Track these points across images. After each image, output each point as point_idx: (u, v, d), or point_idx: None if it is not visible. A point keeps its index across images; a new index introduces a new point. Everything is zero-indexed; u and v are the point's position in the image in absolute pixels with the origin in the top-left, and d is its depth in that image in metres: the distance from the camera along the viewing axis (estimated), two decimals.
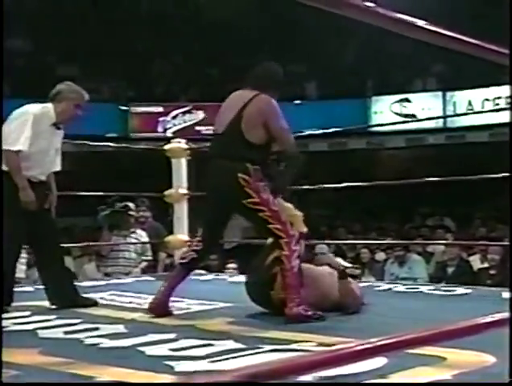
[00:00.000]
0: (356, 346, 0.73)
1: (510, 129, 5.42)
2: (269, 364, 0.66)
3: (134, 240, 4.97)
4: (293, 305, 2.56)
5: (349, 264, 3.23)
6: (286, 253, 2.60)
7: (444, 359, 1.80)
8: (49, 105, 3.02)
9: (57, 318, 2.66)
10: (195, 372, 1.73)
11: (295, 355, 1.93)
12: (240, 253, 7.34)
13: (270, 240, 2.78)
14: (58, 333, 2.37)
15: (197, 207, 2.88)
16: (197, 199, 4.74)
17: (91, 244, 5.79)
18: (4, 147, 2.83)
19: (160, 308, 2.74)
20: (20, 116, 2.94)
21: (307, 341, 2.13)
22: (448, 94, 10.65)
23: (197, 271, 5.26)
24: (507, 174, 3.49)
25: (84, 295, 3.10)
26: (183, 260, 2.83)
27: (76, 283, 3.21)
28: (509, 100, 9.38)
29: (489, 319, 0.97)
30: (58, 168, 3.19)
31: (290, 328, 2.38)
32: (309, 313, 2.57)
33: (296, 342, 2.12)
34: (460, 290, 3.45)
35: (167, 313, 2.74)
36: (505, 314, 1.01)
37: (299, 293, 2.59)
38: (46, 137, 2.98)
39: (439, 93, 10.79)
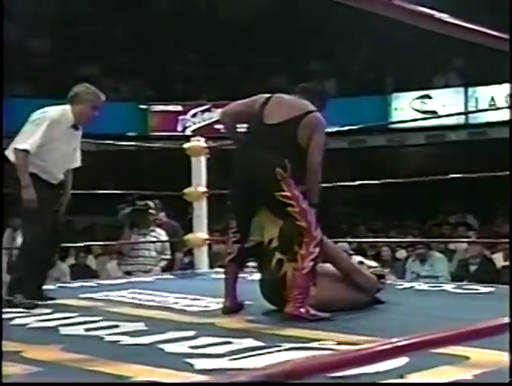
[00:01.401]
0: (377, 346, 0.72)
1: (510, 129, 5.34)
2: (290, 364, 0.65)
3: (153, 239, 4.99)
4: (294, 305, 2.54)
5: (375, 263, 3.18)
6: (303, 253, 2.58)
7: (467, 358, 1.78)
8: (67, 107, 3.08)
9: (78, 316, 2.69)
10: (214, 370, 1.73)
11: (315, 353, 1.91)
12: (259, 252, 7.33)
13: (274, 244, 2.74)
14: (79, 330, 2.39)
15: (228, 197, 2.89)
16: (217, 196, 4.74)
17: (111, 242, 5.84)
18: (13, 145, 2.92)
19: (234, 308, 2.78)
20: (37, 118, 3.02)
21: (327, 339, 2.12)
22: (470, 90, 10.51)
23: (217, 269, 5.28)
24: None
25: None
26: (231, 256, 2.85)
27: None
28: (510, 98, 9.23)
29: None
30: (77, 164, 3.26)
31: (310, 326, 2.37)
32: (307, 315, 2.52)
33: (316, 340, 2.11)
34: (483, 289, 3.40)
35: (240, 308, 2.79)
36: None
37: (304, 295, 2.56)
38: (64, 139, 3.05)
39: (461, 89, 10.65)
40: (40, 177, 2.98)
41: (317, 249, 2.61)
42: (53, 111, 3.06)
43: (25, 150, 2.90)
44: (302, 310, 2.53)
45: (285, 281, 2.64)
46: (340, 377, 1.47)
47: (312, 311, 2.54)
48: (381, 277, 2.98)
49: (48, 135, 2.96)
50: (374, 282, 2.87)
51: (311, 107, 2.79)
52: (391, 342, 0.71)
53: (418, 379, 1.59)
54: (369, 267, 3.01)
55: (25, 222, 3.05)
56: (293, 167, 2.64)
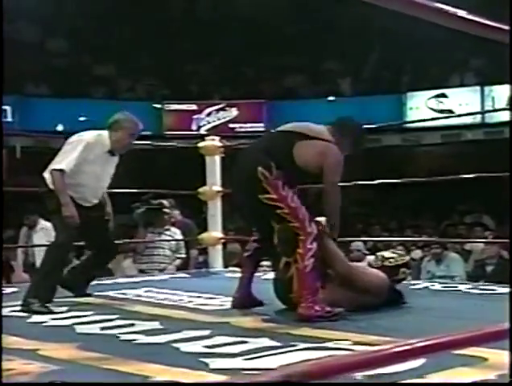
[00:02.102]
0: (396, 347, 0.71)
1: (510, 128, 5.28)
2: (308, 364, 0.64)
3: (168, 238, 5.01)
4: (306, 305, 2.52)
5: (394, 255, 3.03)
6: (301, 252, 2.56)
7: (486, 359, 1.76)
8: (105, 133, 3.19)
9: (93, 314, 2.70)
10: (229, 370, 1.73)
11: (330, 353, 1.90)
12: (273, 251, 7.32)
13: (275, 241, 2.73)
14: (95, 328, 2.40)
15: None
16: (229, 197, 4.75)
17: (127, 241, 5.86)
18: (50, 166, 3.03)
19: (244, 300, 2.81)
20: (73, 140, 3.12)
21: (342, 339, 2.10)
22: (487, 89, 10.42)
23: (231, 268, 5.28)
24: None
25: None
26: (248, 253, 2.91)
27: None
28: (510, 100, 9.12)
29: None
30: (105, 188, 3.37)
31: (325, 326, 2.36)
32: (322, 313, 2.50)
33: (332, 340, 2.10)
34: (500, 289, 3.36)
35: (254, 303, 2.81)
36: None
37: (312, 293, 2.54)
38: (99, 163, 3.14)
39: (478, 88, 10.56)
40: (72, 198, 3.05)
41: (315, 244, 2.57)
42: (89, 134, 3.16)
43: (60, 170, 3.00)
44: (316, 308, 2.52)
45: (292, 283, 2.63)
46: (358, 377, 1.46)
47: (327, 308, 2.53)
48: (403, 265, 2.93)
49: (83, 157, 3.06)
50: (382, 281, 2.79)
51: (326, 136, 2.71)
52: (410, 343, 0.70)
53: (436, 380, 1.58)
54: (385, 259, 2.94)
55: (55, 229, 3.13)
56: (284, 175, 2.60)
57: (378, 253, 3.12)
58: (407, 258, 3.03)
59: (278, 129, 2.85)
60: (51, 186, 3.00)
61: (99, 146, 3.12)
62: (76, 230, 3.01)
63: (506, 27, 1.16)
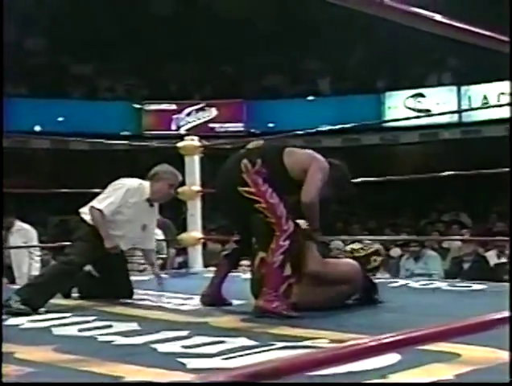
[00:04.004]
0: (364, 343, 0.72)
1: (510, 126, 5.36)
2: (272, 362, 0.65)
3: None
4: (266, 299, 2.54)
5: (360, 245, 3.03)
6: (273, 247, 2.58)
7: (459, 355, 1.78)
8: (146, 183, 3.32)
9: (72, 316, 2.68)
10: (207, 370, 1.73)
11: (308, 352, 1.92)
12: (252, 250, 7.32)
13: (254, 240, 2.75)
14: (72, 330, 2.39)
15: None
16: (211, 195, 4.74)
17: None
18: (91, 203, 3.18)
19: (213, 298, 2.84)
20: (117, 184, 3.27)
21: (320, 338, 2.12)
22: (463, 88, 10.55)
23: (211, 268, 5.27)
24: None
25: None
26: (226, 252, 2.96)
27: None
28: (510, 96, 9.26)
29: (501, 315, 0.95)
30: (150, 247, 3.48)
31: (302, 325, 2.37)
32: (279, 310, 2.52)
33: (309, 339, 2.11)
34: (476, 286, 3.41)
35: (222, 302, 2.84)
36: None
37: (275, 289, 2.55)
38: (135, 208, 3.24)
39: (454, 88, 10.69)
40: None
41: (287, 242, 2.58)
42: (132, 181, 3.31)
43: (100, 210, 3.13)
44: (275, 304, 2.53)
45: (265, 279, 2.64)
46: (325, 376, 1.47)
47: (283, 308, 2.53)
48: (374, 253, 2.93)
49: (124, 201, 3.18)
50: (354, 269, 2.79)
51: (315, 155, 2.73)
52: (378, 339, 0.71)
53: (411, 376, 1.60)
54: (354, 250, 2.96)
55: (74, 248, 3.18)
56: (262, 166, 2.61)
57: (347, 247, 3.14)
58: (376, 246, 3.01)
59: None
60: (90, 222, 3.13)
61: (139, 193, 3.26)
62: (93, 260, 3.14)
63: (479, 30, 1.18)
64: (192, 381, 0.61)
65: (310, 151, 2.75)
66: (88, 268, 3.38)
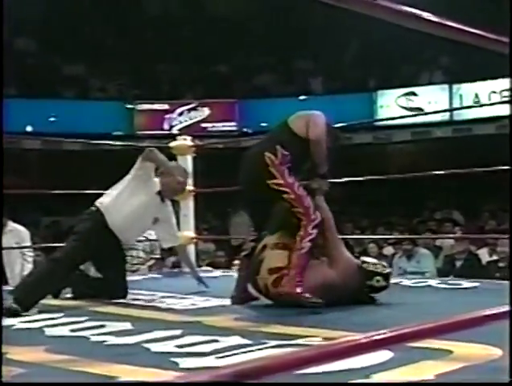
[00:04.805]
0: (351, 341, 0.72)
1: (510, 123, 5.39)
2: (257, 361, 0.65)
3: (142, 238, 4.96)
4: (293, 285, 2.61)
5: (375, 261, 3.01)
6: (301, 234, 2.66)
7: (451, 352, 1.79)
8: (156, 178, 3.40)
9: (64, 316, 2.67)
10: (200, 369, 1.73)
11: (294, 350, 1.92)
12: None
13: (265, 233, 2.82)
14: (64, 330, 2.38)
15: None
16: (204, 195, 4.74)
17: None
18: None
19: (242, 298, 2.89)
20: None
21: (313, 336, 2.12)
22: (455, 87, 10.59)
23: (204, 267, 5.26)
24: None
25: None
26: (245, 252, 2.99)
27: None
28: (510, 92, 9.31)
29: (490, 311, 0.96)
30: (168, 244, 3.53)
31: (296, 323, 2.37)
32: (308, 296, 2.59)
33: (302, 337, 2.12)
34: (468, 284, 3.43)
35: (251, 299, 2.88)
36: (508, 307, 1.00)
37: (301, 275, 2.63)
38: (144, 200, 3.27)
39: (446, 86, 10.73)
40: (109, 224, 3.18)
41: (315, 231, 2.68)
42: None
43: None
44: (297, 290, 2.60)
45: (261, 266, 2.72)
46: (315, 374, 1.48)
47: (307, 295, 2.60)
48: (380, 274, 2.84)
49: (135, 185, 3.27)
50: (352, 270, 2.82)
51: (311, 111, 2.87)
52: (368, 336, 0.71)
53: (402, 374, 1.60)
54: (364, 262, 2.93)
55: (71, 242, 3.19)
56: (284, 153, 2.69)
57: (362, 258, 3.13)
58: (388, 270, 2.95)
59: None
60: (102, 210, 3.16)
61: (152, 185, 3.31)
62: (86, 253, 3.12)
63: (469, 29, 1.19)
64: (174, 381, 0.60)
65: (304, 112, 2.86)
66: (83, 267, 3.38)
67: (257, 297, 2.89)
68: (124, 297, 3.19)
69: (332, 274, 2.75)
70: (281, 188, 2.67)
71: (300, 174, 2.80)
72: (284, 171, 2.68)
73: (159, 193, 3.34)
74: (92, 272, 3.44)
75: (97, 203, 3.25)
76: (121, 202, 3.22)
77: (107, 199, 3.27)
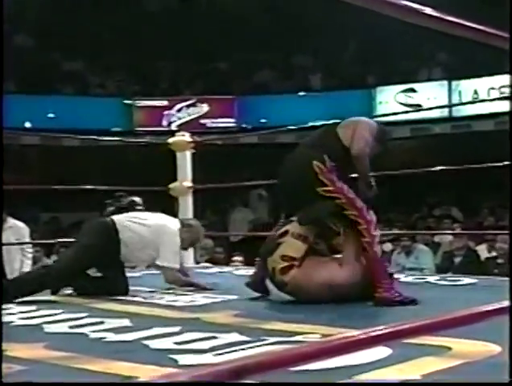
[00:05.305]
0: (349, 337, 0.72)
1: (510, 119, 5.38)
2: (253, 358, 0.64)
3: None
4: (382, 291, 2.62)
5: None
6: (368, 240, 2.67)
7: (450, 348, 1.79)
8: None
9: (63, 313, 2.67)
10: (199, 365, 1.73)
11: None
12: (246, 246, 7.34)
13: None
14: (63, 327, 2.38)
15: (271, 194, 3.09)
16: (203, 191, 4.73)
17: None
18: (161, 262, 3.31)
19: (258, 285, 2.94)
20: (168, 232, 3.38)
21: (311, 332, 2.13)
22: (454, 83, 10.57)
23: (202, 264, 5.27)
24: None
25: None
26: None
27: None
28: (510, 89, 9.31)
29: (489, 308, 0.96)
30: (162, 262, 3.46)
31: (295, 319, 2.37)
32: (400, 298, 2.62)
33: (301, 333, 2.12)
34: (467, 280, 3.43)
35: (265, 290, 2.93)
36: (506, 302, 1.00)
37: (386, 278, 2.66)
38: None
39: (445, 82, 10.71)
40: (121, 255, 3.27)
41: (377, 232, 2.72)
42: (175, 225, 3.48)
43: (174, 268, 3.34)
44: (393, 292, 2.63)
45: (275, 249, 2.77)
46: (310, 371, 1.48)
47: (400, 297, 2.63)
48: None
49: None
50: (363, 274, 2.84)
51: (361, 118, 2.97)
52: (366, 333, 0.71)
53: (401, 370, 1.61)
54: None
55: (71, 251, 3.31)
56: (338, 166, 2.73)
57: None
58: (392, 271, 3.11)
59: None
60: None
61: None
62: (90, 263, 3.22)
63: (470, 24, 1.18)
64: (153, 381, 0.60)
65: (352, 119, 2.91)
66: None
67: (268, 293, 2.93)
68: (125, 293, 3.19)
69: (342, 274, 2.75)
70: (332, 194, 2.71)
71: (347, 182, 2.83)
72: (333, 177, 2.72)
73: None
74: (92, 271, 3.44)
75: (115, 217, 3.35)
76: (138, 227, 3.31)
77: (127, 222, 3.34)
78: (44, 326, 2.41)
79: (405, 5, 1.06)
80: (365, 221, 2.69)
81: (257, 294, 2.96)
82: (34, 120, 10.30)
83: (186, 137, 4.55)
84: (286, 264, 2.74)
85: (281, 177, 2.91)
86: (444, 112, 10.61)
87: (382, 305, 2.60)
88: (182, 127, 10.34)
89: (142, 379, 0.92)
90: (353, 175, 2.94)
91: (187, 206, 4.50)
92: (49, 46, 11.88)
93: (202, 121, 11.48)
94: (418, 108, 10.17)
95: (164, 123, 11.45)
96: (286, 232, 2.81)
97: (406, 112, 9.94)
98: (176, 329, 2.25)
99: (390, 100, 10.92)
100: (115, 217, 3.35)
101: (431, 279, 3.59)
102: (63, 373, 1.72)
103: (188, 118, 11.48)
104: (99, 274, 3.37)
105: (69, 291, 3.25)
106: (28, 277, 3.15)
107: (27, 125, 10.52)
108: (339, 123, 2.92)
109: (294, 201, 2.87)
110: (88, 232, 3.29)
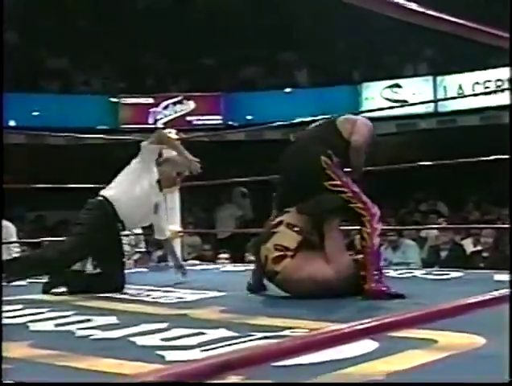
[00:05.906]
0: (334, 331, 0.72)
1: (511, 113, 5.41)
2: (239, 352, 0.64)
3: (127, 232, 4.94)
4: (372, 282, 2.64)
5: None
6: (368, 231, 2.72)
7: (435, 341, 1.80)
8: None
9: (49, 311, 2.65)
10: (186, 362, 1.73)
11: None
12: (233, 243, 7.34)
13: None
14: (49, 325, 2.36)
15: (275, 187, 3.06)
16: (190, 188, 4.72)
17: None
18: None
19: (258, 286, 2.98)
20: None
21: (299, 327, 2.13)
22: (439, 78, 10.63)
23: (190, 261, 5.26)
24: (499, 157, 3.49)
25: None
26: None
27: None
28: (499, 82, 9.38)
29: (474, 300, 0.96)
30: (161, 236, 3.53)
31: (282, 315, 2.38)
32: (389, 291, 2.64)
33: (289, 328, 2.12)
34: (453, 274, 3.46)
35: (264, 288, 2.97)
36: (492, 294, 1.00)
37: (379, 271, 2.68)
38: (147, 186, 3.32)
39: (430, 78, 10.76)
40: (119, 220, 3.22)
41: (380, 225, 2.76)
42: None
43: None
44: (382, 287, 2.65)
45: (270, 238, 2.78)
46: (296, 365, 1.48)
47: (389, 288, 2.65)
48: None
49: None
50: (349, 270, 2.85)
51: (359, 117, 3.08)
52: (351, 326, 0.71)
53: (387, 363, 1.61)
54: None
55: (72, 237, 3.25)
56: (340, 161, 2.80)
57: None
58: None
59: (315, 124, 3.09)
60: (110, 199, 3.19)
61: (154, 172, 3.36)
62: (91, 244, 3.16)
63: (456, 20, 1.19)
64: (119, 382, 0.59)
65: (351, 116, 3.03)
66: (79, 264, 3.38)
67: (265, 288, 2.95)
68: (121, 289, 3.17)
69: (329, 271, 2.75)
70: (338, 188, 2.77)
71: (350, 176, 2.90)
72: (339, 172, 2.80)
73: (159, 182, 3.37)
74: (89, 268, 3.42)
75: (103, 193, 3.28)
76: (126, 189, 3.26)
77: (113, 189, 3.29)
78: (29, 324, 2.39)
79: (390, 0, 1.06)
80: (369, 214, 2.75)
81: (246, 292, 2.95)
82: (18, 118, 10.20)
83: (172, 134, 4.53)
84: (278, 253, 2.76)
85: (285, 170, 2.94)
86: (430, 108, 10.67)
87: (371, 298, 2.62)
88: (168, 124, 10.31)
89: (128, 376, 0.92)
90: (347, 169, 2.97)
91: (174, 203, 4.49)
92: (33, 43, 11.77)
93: (188, 118, 11.45)
94: (403, 103, 10.21)
95: (150, 120, 11.40)
96: (280, 222, 2.82)
97: (392, 107, 9.97)
98: (164, 325, 2.24)
99: (375, 96, 10.96)
100: (105, 193, 3.30)
101: (418, 273, 3.61)
102: (48, 371, 1.71)
103: (174, 115, 11.44)
104: (94, 271, 3.34)
105: (62, 289, 3.21)
106: (34, 256, 3.15)
107: (12, 123, 10.42)
108: (337, 117, 2.99)
109: (300, 193, 2.89)
110: (87, 212, 3.26)
